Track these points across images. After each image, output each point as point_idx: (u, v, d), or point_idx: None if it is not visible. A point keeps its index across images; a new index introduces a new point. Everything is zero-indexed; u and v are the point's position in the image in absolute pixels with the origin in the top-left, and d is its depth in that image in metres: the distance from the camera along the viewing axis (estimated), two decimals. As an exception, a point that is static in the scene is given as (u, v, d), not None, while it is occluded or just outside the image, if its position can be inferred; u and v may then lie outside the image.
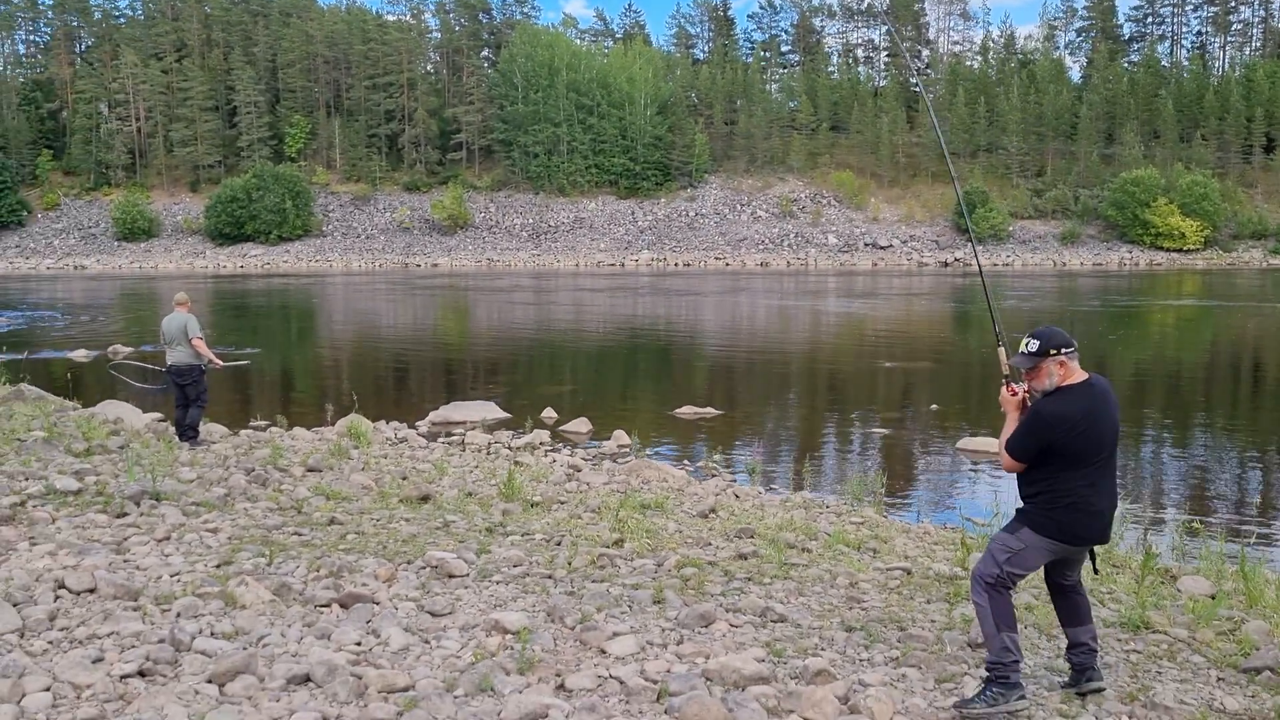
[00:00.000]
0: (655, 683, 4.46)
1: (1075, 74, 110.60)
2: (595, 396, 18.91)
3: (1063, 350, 4.47)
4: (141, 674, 4.14)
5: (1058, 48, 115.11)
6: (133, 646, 4.45)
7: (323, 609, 5.30)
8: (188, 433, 11.56)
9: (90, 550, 6.05)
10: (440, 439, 13.73)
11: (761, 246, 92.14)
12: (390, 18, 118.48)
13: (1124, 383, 21.11)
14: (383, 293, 54.47)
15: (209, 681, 4.09)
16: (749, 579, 6.46)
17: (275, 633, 4.80)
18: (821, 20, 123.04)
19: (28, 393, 14.54)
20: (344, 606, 5.33)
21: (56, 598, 5.09)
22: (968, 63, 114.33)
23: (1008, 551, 4.56)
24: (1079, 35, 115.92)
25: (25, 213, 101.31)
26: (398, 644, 4.74)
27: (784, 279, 65.79)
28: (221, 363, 12.31)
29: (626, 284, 59.50)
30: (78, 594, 5.15)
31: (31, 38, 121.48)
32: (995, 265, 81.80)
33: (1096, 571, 5.36)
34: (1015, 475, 4.69)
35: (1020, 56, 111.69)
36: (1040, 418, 4.48)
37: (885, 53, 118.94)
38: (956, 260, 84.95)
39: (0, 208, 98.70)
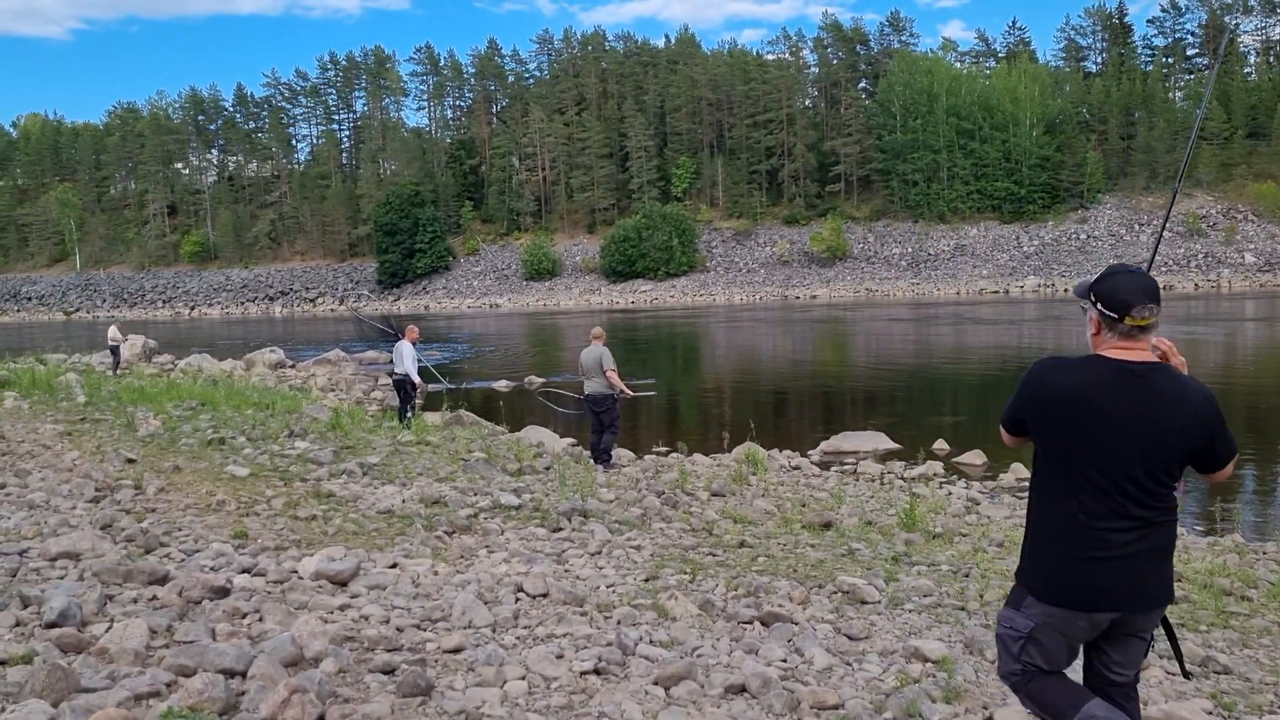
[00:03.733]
0: (1089, 725, 4.31)
1: None
2: (987, 429, 18.20)
3: (1095, 301, 3.09)
4: (597, 672, 4.59)
5: None
6: (585, 647, 4.93)
7: (745, 625, 5.59)
8: (602, 456, 12.52)
9: (536, 559, 6.75)
10: (833, 468, 13.90)
11: (1163, 269, 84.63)
12: (770, 57, 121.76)
13: None
14: (764, 324, 55.75)
15: (655, 684, 4.47)
16: (1181, 624, 6.04)
17: (706, 645, 5.13)
18: (1235, 17, 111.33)
19: (465, 418, 16.38)
20: (764, 625, 5.59)
21: (517, 599, 5.73)
22: None
23: (1017, 636, 3.17)
24: None
25: (451, 258, 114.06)
26: (821, 664, 4.91)
27: (1190, 303, 60.02)
28: (632, 392, 13.25)
29: (1011, 312, 56.87)
30: (534, 597, 5.78)
31: (457, 103, 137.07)
32: None
33: (1187, 674, 3.40)
34: None
35: None
36: (1023, 375, 3.24)
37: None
38: None
39: (432, 254, 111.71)
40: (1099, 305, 3.09)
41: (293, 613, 5.03)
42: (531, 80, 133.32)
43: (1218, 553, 8.91)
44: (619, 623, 5.41)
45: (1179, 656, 3.27)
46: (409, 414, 15.13)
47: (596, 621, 5.43)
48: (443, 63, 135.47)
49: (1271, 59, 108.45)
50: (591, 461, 12.69)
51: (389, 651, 4.61)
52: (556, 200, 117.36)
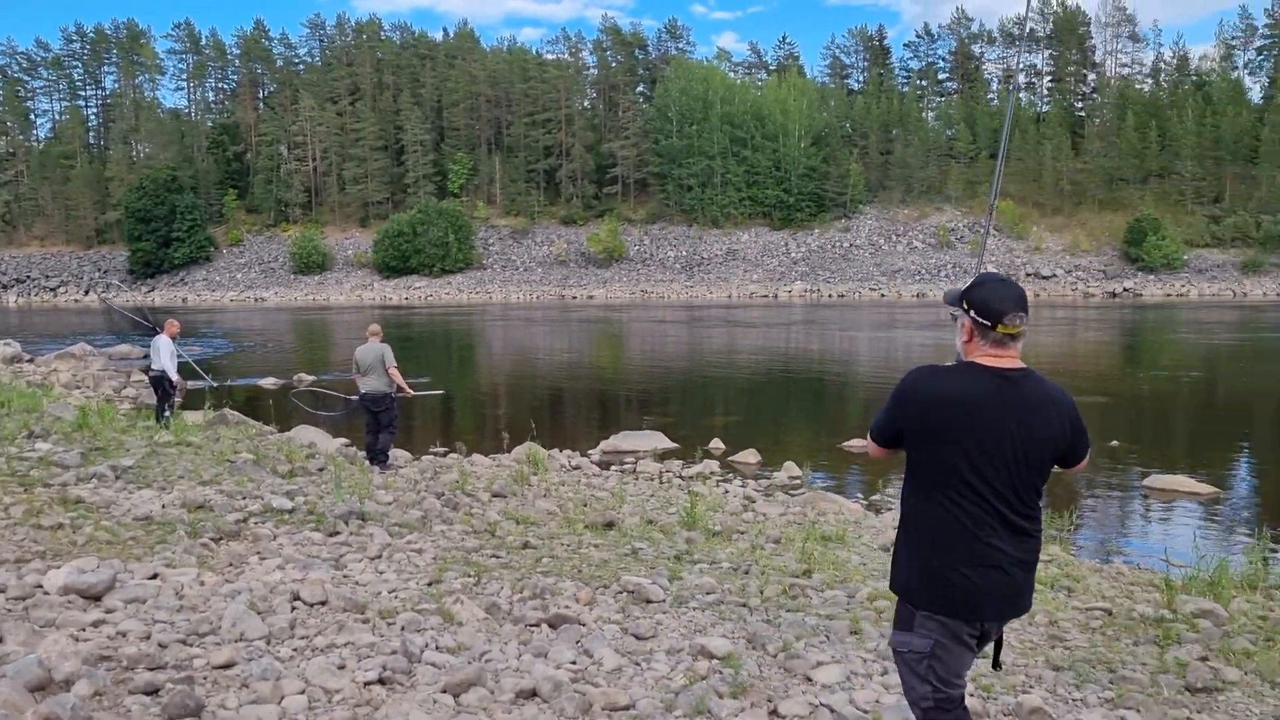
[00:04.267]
0: (866, 712, 4.49)
1: (1256, 94, 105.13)
2: (760, 428, 18.91)
3: (968, 309, 3.15)
4: (382, 681, 4.41)
5: (1235, 67, 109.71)
6: (369, 656, 4.74)
7: (533, 628, 5.53)
8: (379, 457, 12.14)
9: (313, 565, 6.45)
10: (613, 467, 14.02)
11: (918, 277, 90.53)
12: (549, 56, 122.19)
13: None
14: (541, 324, 55.80)
15: (444, 691, 4.33)
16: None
17: (495, 649, 5.03)
18: (980, 47, 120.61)
19: (230, 417, 15.52)
20: (552, 626, 5.55)
21: (293, 608, 5.45)
22: (1138, 86, 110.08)
23: (920, 657, 3.15)
24: (1259, 54, 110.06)
25: (212, 248, 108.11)
26: (610, 664, 4.91)
27: (941, 310, 64.28)
28: (412, 391, 12.91)
29: (779, 316, 59.31)
30: (311, 606, 5.51)
31: (220, 85, 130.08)
32: (1169, 296, 78.21)
33: (999, 665, 3.38)
34: None
35: (1195, 78, 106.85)
36: (898, 386, 3.23)
37: (1048, 78, 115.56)
38: (1126, 290, 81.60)
39: (190, 244, 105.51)
40: (972, 313, 3.13)
41: (38, 631, 4.59)
42: (302, 66, 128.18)
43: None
44: (403, 629, 5.24)
45: (999, 649, 3.36)
46: (167, 413, 14.20)
47: (379, 629, 5.24)
48: (204, 42, 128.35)
49: (1011, 87, 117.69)
50: (367, 462, 12.29)
51: (151, 670, 4.28)
52: (328, 192, 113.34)
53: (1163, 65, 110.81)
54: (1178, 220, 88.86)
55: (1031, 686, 5.08)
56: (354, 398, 12.85)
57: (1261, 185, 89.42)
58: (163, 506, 7.88)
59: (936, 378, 3.15)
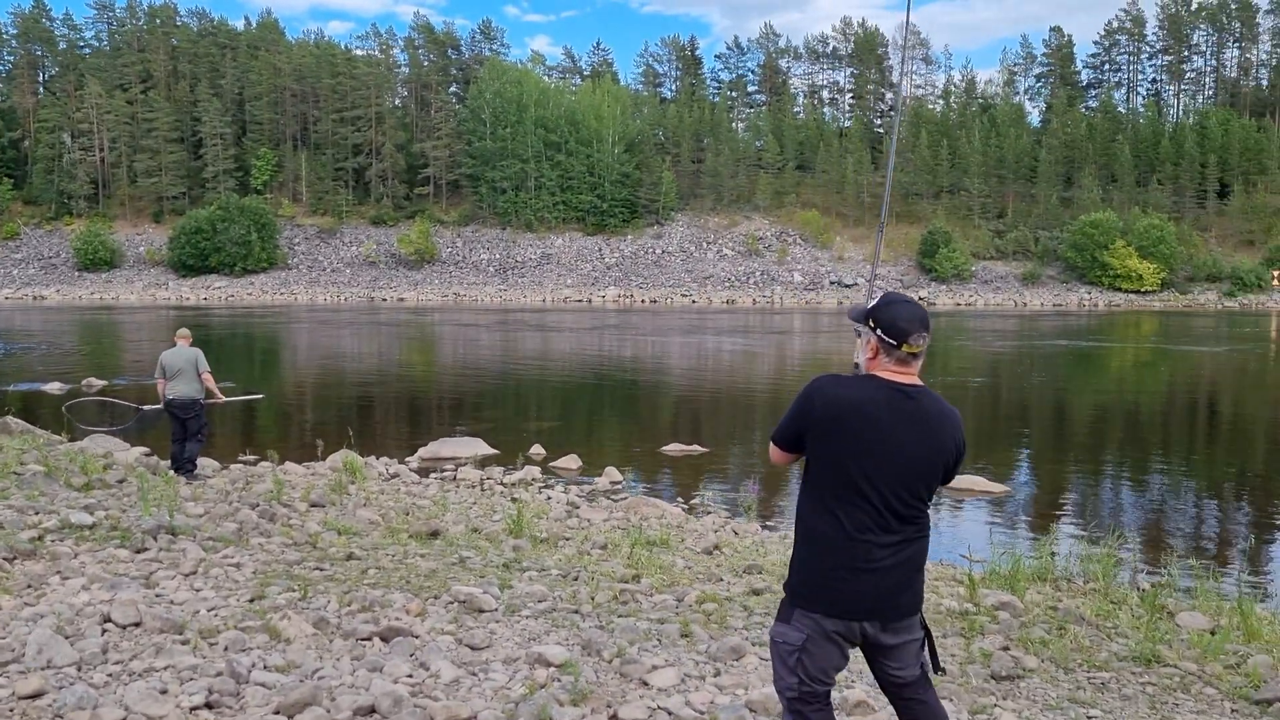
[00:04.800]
0: (703, 713, 4.61)
1: (1035, 118, 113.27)
2: (581, 433, 19.02)
3: (874, 327, 3.28)
4: (209, 706, 4.23)
5: (1017, 93, 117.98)
6: (192, 679, 4.52)
7: (365, 642, 5.40)
8: (186, 466, 11.56)
9: (121, 585, 6.09)
10: (433, 475, 13.81)
11: (727, 284, 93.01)
12: (359, 52, 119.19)
13: (1086, 419, 21.56)
14: (350, 326, 54.33)
15: (277, 713, 4.18)
16: (768, 613, 6.62)
17: (327, 666, 4.89)
18: (787, 62, 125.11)
19: (13, 425, 14.43)
20: (385, 640, 5.43)
21: (104, 631, 5.14)
22: (930, 106, 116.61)
23: (791, 650, 3.29)
24: (1038, 81, 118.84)
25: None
26: (448, 676, 4.85)
27: (750, 316, 66.40)
28: (224, 397, 12.36)
29: (594, 320, 59.74)
30: (124, 628, 5.21)
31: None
32: (959, 305, 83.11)
33: (939, 669, 3.54)
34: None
35: (981, 101, 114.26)
36: (802, 391, 3.35)
37: (850, 95, 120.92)
38: (921, 299, 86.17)
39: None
40: (879, 331, 3.26)
41: None
42: (88, 50, 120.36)
43: (788, 545, 9.87)
44: (227, 649, 5.03)
45: (933, 653, 3.51)
46: (-58, 421, 13.10)
47: (201, 649, 5.01)
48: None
49: (816, 102, 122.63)
50: (173, 473, 11.68)
51: (-51, 704, 3.96)
52: (117, 184, 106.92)
53: (952, 88, 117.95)
54: (966, 234, 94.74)
55: (854, 681, 5.31)
56: (148, 407, 12.20)
57: (1039, 203, 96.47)
58: (-55, 525, 7.29)
59: (840, 385, 3.29)
